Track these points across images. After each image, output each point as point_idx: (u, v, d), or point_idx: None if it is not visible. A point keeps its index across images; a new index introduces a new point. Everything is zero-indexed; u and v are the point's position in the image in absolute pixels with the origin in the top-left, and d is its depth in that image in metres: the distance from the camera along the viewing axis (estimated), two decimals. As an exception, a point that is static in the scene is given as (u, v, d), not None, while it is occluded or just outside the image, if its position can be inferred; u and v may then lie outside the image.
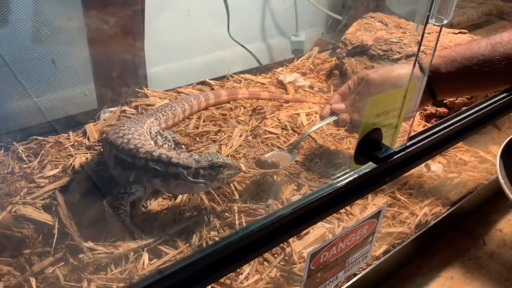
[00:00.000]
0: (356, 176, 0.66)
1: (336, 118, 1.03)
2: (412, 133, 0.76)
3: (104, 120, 1.24)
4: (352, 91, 1.04)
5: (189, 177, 0.84)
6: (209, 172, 0.84)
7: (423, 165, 1.15)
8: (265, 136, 1.19)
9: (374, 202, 1.03)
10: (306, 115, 1.34)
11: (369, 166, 0.68)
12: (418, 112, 1.35)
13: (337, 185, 0.64)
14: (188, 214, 0.91)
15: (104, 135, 1.15)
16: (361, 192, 0.69)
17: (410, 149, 0.73)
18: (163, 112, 1.17)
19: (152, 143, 0.98)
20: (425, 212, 1.04)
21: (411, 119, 0.77)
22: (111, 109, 1.28)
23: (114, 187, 0.91)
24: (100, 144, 1.11)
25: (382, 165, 0.67)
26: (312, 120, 1.31)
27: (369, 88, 0.97)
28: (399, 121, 0.66)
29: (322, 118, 1.05)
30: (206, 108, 1.33)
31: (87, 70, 1.29)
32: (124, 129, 0.97)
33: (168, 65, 1.56)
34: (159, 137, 1.04)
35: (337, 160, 1.10)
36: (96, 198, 0.93)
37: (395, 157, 0.68)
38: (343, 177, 0.66)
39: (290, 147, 1.08)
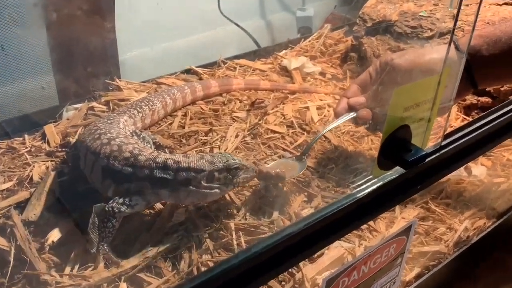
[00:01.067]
0: (380, 184, 0.68)
1: (355, 114, 1.04)
2: (449, 130, 0.77)
3: (68, 119, 1.25)
4: (373, 80, 1.05)
5: (202, 182, 0.88)
6: (225, 175, 0.88)
7: (462, 168, 1.16)
8: (267, 136, 1.20)
9: (403, 216, 1.04)
10: (317, 108, 1.34)
11: (396, 171, 0.69)
12: (456, 104, 1.36)
13: (357, 195, 0.65)
14: (173, 233, 0.92)
15: (68, 138, 1.16)
16: (386, 203, 0.70)
17: (446, 149, 0.74)
18: (138, 108, 1.19)
19: (143, 145, 1.01)
20: (466, 226, 1.05)
21: (447, 113, 0.78)
22: (76, 105, 1.29)
23: (84, 202, 0.93)
24: (64, 149, 1.12)
25: (412, 169, 0.68)
26: (325, 115, 1.32)
27: (394, 76, 0.98)
28: (432, 116, 0.68)
29: (337, 115, 1.06)
30: (193, 103, 1.34)
31: (45, 58, 1.30)
32: (103, 133, 0.99)
33: (146, 50, 1.57)
34: (135, 137, 1.05)
35: (356, 164, 1.11)
36: (61, 216, 0.93)
37: (427, 159, 0.70)
38: (364, 186, 0.67)
39: (299, 154, 1.09)
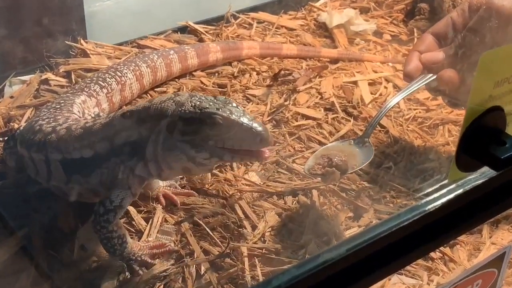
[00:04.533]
0: (459, 192, 0.67)
1: (434, 77, 1.04)
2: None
3: (12, 97, 1.26)
4: (457, 30, 1.05)
5: (159, 135, 0.84)
6: (195, 129, 0.83)
7: None
8: (296, 124, 1.20)
9: (494, 240, 1.03)
10: (369, 84, 1.34)
11: (484, 174, 0.69)
12: None
13: (426, 208, 0.65)
14: (160, 260, 0.93)
15: (12, 124, 1.17)
16: (468, 221, 0.70)
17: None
18: (101, 82, 1.19)
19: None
20: None
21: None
22: (23, 77, 1.30)
23: (34, 215, 0.94)
24: (3, 139, 1.13)
25: (507, 172, 0.68)
26: (381, 94, 1.32)
27: (492, 25, 0.97)
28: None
29: (409, 77, 1.06)
30: (186, 74, 1.34)
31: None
32: (46, 122, 1.00)
33: (122, -1, 1.58)
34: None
35: (425, 164, 1.11)
36: (1, 236, 0.95)
37: (530, 157, 0.69)
38: (436, 195, 0.67)
39: (360, 135, 1.09)
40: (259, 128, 0.81)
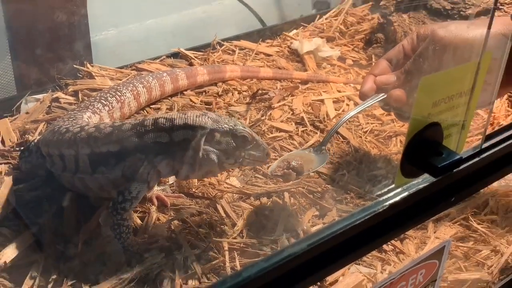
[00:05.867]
0: (405, 195, 0.68)
1: (385, 96, 1.05)
2: (491, 129, 0.77)
3: (27, 113, 1.26)
4: (407, 56, 1.06)
5: (201, 143, 0.88)
6: (228, 141, 0.89)
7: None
8: (271, 135, 1.21)
9: (438, 235, 1.04)
10: (334, 102, 1.35)
11: (425, 179, 0.69)
12: (506, 97, 1.36)
13: (376, 208, 0.65)
14: (153, 254, 0.93)
15: (27, 136, 1.17)
16: (412, 219, 0.70)
17: (489, 152, 0.74)
18: (103, 101, 1.19)
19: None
20: (516, 248, 1.05)
21: (490, 107, 0.78)
22: (37, 96, 1.30)
23: (46, 213, 0.94)
24: (19, 149, 1.13)
25: (444, 178, 0.68)
26: (343, 110, 1.32)
27: (435, 52, 0.98)
28: (469, 113, 0.68)
29: (364, 97, 1.07)
30: (180, 94, 1.35)
31: (0, 37, 1.31)
32: (70, 125, 1.01)
33: (124, 29, 1.58)
34: None
35: (379, 170, 1.12)
36: (17, 231, 0.95)
37: (463, 166, 0.70)
38: (385, 196, 0.67)
39: (318, 144, 1.09)
40: (266, 145, 0.94)
